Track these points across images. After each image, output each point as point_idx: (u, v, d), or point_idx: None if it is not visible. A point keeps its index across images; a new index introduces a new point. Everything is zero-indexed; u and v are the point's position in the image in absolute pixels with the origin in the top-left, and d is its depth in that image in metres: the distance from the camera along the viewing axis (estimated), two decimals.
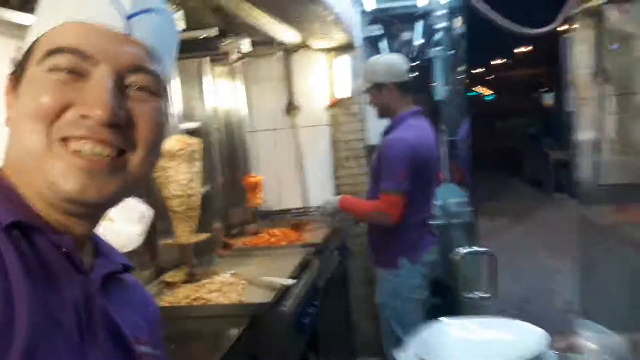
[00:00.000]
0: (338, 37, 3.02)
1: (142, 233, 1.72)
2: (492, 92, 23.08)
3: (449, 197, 3.37)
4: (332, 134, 3.39)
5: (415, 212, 2.46)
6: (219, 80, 3.09)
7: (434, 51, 3.60)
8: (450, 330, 1.22)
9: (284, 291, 1.98)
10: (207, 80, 2.70)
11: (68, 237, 0.59)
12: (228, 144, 3.21)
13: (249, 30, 2.75)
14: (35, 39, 0.61)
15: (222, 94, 3.11)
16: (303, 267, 2.36)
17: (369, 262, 2.67)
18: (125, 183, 0.61)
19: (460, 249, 1.96)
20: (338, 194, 3.36)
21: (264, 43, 3.03)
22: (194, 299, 1.90)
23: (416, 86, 2.70)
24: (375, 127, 3.27)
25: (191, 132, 2.61)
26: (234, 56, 2.76)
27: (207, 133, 2.72)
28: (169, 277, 2.25)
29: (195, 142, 2.13)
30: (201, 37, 2.02)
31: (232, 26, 2.79)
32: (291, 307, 1.89)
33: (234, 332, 1.69)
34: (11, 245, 0.54)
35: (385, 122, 2.62)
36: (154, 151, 0.63)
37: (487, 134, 16.32)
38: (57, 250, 0.59)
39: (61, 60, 0.57)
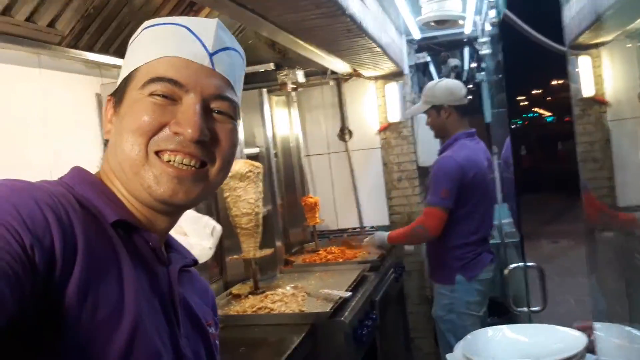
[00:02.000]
0: (386, 66, 3.17)
1: (212, 247, 1.91)
2: (551, 113, 22.48)
3: (502, 217, 3.40)
4: (383, 157, 3.53)
5: (471, 230, 2.55)
6: (277, 109, 3.33)
7: (481, 76, 3.68)
8: (495, 334, 1.30)
9: (342, 303, 2.11)
10: (266, 109, 2.91)
11: (154, 234, 0.74)
12: (286, 168, 3.42)
13: (303, 62, 2.97)
14: (135, 68, 0.73)
15: (279, 121, 3.34)
16: (360, 282, 2.48)
17: (427, 276, 2.86)
18: (206, 189, 0.73)
19: (512, 264, 2.02)
20: (392, 214, 3.49)
21: (317, 73, 3.24)
22: (259, 308, 2.06)
23: (471, 109, 2.86)
24: (426, 148, 3.40)
25: (253, 157, 2.83)
26: (289, 86, 2.98)
27: (267, 158, 2.92)
28: (235, 289, 2.44)
29: (259, 165, 2.35)
30: (260, 70, 2.23)
31: (287, 60, 3.03)
32: (348, 318, 2.01)
33: (295, 339, 1.83)
34: (119, 238, 0.68)
35: (438, 143, 2.78)
36: (228, 165, 0.76)
37: (550, 155, 15.85)
38: (147, 245, 0.73)
39: (160, 87, 0.70)
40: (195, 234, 1.92)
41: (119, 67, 0.79)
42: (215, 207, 2.53)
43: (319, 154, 3.61)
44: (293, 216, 3.38)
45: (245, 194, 2.30)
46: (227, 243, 2.54)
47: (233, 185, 2.27)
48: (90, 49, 1.96)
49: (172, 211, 0.76)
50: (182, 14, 2.19)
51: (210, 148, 0.72)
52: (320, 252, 3.01)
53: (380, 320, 2.47)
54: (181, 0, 2.16)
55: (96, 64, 2.05)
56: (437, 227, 2.46)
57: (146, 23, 0.77)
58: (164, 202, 0.71)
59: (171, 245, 0.83)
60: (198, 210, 2.07)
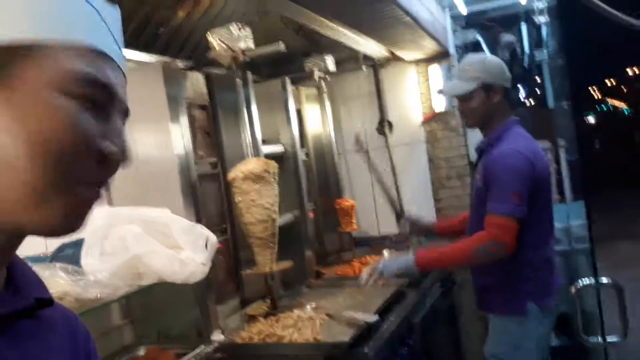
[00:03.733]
0: (429, 46, 2.77)
1: (207, 262, 1.60)
2: (627, 104, 20.89)
3: (573, 218, 2.88)
4: (429, 152, 3.10)
5: (543, 243, 1.97)
6: (307, 104, 2.99)
7: (542, 55, 3.17)
8: None
9: (368, 329, 1.74)
10: (291, 102, 2.59)
11: None
12: (317, 168, 3.07)
13: (333, 47, 2.63)
14: (37, 39, 0.48)
15: (308, 115, 3.00)
16: (395, 300, 2.10)
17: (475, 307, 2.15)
18: None
19: (581, 280, 1.55)
20: (440, 217, 3.05)
21: (350, 59, 2.88)
22: (267, 335, 1.73)
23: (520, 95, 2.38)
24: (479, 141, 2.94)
25: (276, 157, 2.51)
26: (316, 74, 2.64)
27: (293, 157, 2.59)
28: (251, 310, 2.14)
29: (275, 165, 2.03)
30: (269, 51, 1.90)
31: (315, 45, 2.69)
32: (374, 349, 1.63)
33: None
34: None
35: None
36: None
37: (627, 149, 14.67)
38: None
39: (95, 93, 0.50)
40: (190, 246, 1.61)
41: None
42: (228, 214, 2.23)
43: (356, 151, 3.23)
44: (329, 222, 3.03)
45: (260, 198, 1.98)
46: (243, 255, 2.24)
47: (246, 189, 1.96)
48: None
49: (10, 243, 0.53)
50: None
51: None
52: (354, 263, 2.64)
53: (422, 346, 2.08)
54: None
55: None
56: (514, 242, 1.83)
57: None
58: (43, 234, 0.51)
59: (14, 282, 0.55)
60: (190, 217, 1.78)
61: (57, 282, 1.38)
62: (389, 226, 3.18)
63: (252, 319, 2.06)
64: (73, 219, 0.50)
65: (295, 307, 2.08)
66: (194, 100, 2.09)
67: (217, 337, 1.79)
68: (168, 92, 1.85)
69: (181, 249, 1.62)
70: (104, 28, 0.53)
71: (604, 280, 1.49)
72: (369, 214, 3.20)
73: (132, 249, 1.50)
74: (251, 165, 1.98)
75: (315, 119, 3.05)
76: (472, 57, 2.19)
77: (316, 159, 3.07)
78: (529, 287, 1.92)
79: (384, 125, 3.14)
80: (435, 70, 3.01)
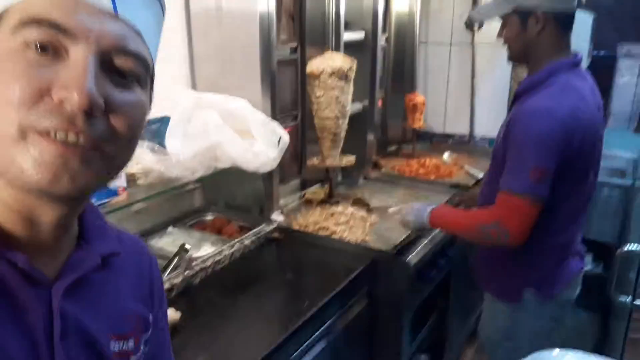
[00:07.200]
0: None
1: (277, 158, 1.71)
2: None
3: None
4: None
5: (560, 227, 1.55)
6: None
7: None
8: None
9: (414, 238, 1.86)
10: None
11: (21, 255, 0.53)
12: (395, 55, 2.99)
13: None
14: (6, 4, 0.51)
15: None
16: None
17: (474, 281, 1.83)
18: (100, 175, 0.54)
19: (628, 246, 1.55)
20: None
21: None
22: (321, 228, 1.89)
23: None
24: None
25: (355, 45, 2.45)
26: None
27: (372, 45, 2.52)
28: (309, 194, 2.28)
29: (355, 63, 2.02)
30: None
31: None
32: (415, 259, 1.77)
33: (353, 268, 1.66)
34: None
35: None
36: (131, 143, 0.56)
37: None
38: (11, 268, 0.53)
39: (37, 33, 0.49)
40: (263, 139, 1.71)
41: None
42: (302, 107, 2.28)
43: (439, 43, 3.08)
44: (396, 111, 3.03)
45: (342, 95, 2.03)
46: (309, 141, 2.33)
47: (331, 84, 1.99)
48: None
49: (61, 200, 0.55)
50: None
51: (107, 120, 0.52)
52: (412, 162, 2.70)
53: (460, 259, 2.21)
54: None
55: None
56: (524, 231, 1.45)
57: None
58: (42, 192, 0.52)
59: (85, 235, 0.62)
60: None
61: (144, 159, 1.53)
62: (454, 126, 3.16)
63: (308, 202, 2.22)
64: (44, 167, 0.49)
65: (352, 198, 2.22)
66: None
67: (277, 217, 1.96)
68: None
69: (255, 140, 1.73)
70: None
71: None
72: (438, 109, 3.16)
73: (212, 135, 1.62)
74: (339, 62, 1.98)
75: (403, 1, 2.88)
76: None
77: (395, 45, 2.97)
78: (530, 273, 1.61)
79: (473, 22, 2.93)
80: None
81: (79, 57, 0.50)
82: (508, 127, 1.49)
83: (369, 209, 2.10)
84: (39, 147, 0.49)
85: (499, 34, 1.59)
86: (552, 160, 1.40)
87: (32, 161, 0.49)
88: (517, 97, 1.57)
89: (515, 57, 1.61)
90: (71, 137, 0.50)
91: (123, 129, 0.53)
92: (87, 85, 0.49)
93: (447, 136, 3.17)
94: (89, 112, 0.50)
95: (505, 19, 1.56)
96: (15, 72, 0.49)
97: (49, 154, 0.49)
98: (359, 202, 2.16)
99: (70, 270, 0.58)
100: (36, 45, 0.49)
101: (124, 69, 0.53)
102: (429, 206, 1.73)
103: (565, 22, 1.51)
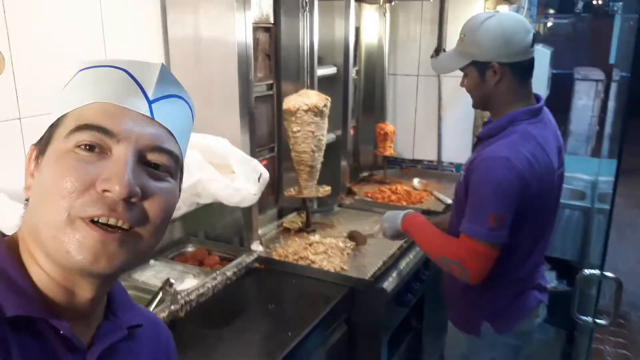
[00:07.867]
0: None
1: (257, 193, 1.78)
2: None
3: (603, 173, 2.89)
4: None
5: (517, 263, 1.60)
6: (366, 13, 2.96)
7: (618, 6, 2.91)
8: None
9: (390, 265, 1.96)
10: (351, 20, 2.56)
11: (65, 322, 0.60)
12: (366, 85, 3.12)
13: None
14: (62, 114, 0.63)
15: (366, 33, 2.98)
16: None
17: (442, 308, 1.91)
18: (132, 255, 0.62)
19: (587, 271, 1.69)
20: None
21: None
22: (300, 258, 1.97)
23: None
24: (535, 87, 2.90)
25: (328, 79, 2.57)
26: None
27: (344, 79, 2.64)
28: (287, 222, 2.36)
29: (330, 99, 2.13)
30: None
31: None
32: (391, 285, 1.86)
33: (332, 297, 1.74)
34: (16, 332, 0.57)
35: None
36: (162, 226, 0.65)
37: None
38: (55, 334, 0.60)
39: (86, 136, 0.60)
40: (244, 176, 1.79)
41: None
42: (278, 139, 2.37)
43: (406, 75, 3.23)
44: (367, 138, 3.16)
45: (318, 130, 2.13)
46: (284, 171, 2.42)
47: (307, 120, 2.08)
48: None
49: (98, 277, 0.63)
50: None
51: (142, 206, 0.62)
52: (384, 188, 2.81)
53: (434, 281, 2.31)
54: None
55: None
56: (482, 271, 1.50)
57: (82, 64, 0.66)
58: (83, 271, 0.61)
59: (112, 308, 0.71)
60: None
61: None
62: (423, 152, 3.30)
63: (286, 230, 2.30)
64: (86, 250, 0.58)
65: (327, 228, 2.31)
66: (259, 22, 2.12)
67: (257, 247, 2.03)
68: (236, 14, 1.88)
69: (235, 176, 1.80)
70: (127, 83, 0.63)
71: (608, 274, 1.63)
72: (407, 137, 3.30)
73: (195, 174, 1.69)
74: (314, 99, 2.08)
75: (372, 33, 3.03)
76: (470, 21, 1.63)
77: (365, 77, 3.10)
78: (487, 306, 1.66)
79: (439, 53, 3.09)
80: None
81: (121, 155, 0.60)
82: (468, 171, 1.56)
83: (365, 242, 2.12)
84: (83, 232, 0.58)
85: (461, 84, 1.66)
86: (509, 207, 1.46)
87: (77, 244, 0.58)
88: (479, 140, 1.66)
89: (477, 105, 1.68)
90: (112, 221, 0.59)
91: (155, 213, 0.62)
92: (127, 177, 0.59)
93: (416, 162, 3.30)
94: (128, 199, 0.59)
95: (464, 70, 1.62)
96: (67, 168, 0.59)
97: (92, 239, 0.58)
98: (355, 238, 2.13)
99: (101, 338, 0.66)
100: (86, 145, 0.60)
101: (158, 163, 0.64)
102: (403, 212, 1.81)
103: (522, 71, 1.56)
